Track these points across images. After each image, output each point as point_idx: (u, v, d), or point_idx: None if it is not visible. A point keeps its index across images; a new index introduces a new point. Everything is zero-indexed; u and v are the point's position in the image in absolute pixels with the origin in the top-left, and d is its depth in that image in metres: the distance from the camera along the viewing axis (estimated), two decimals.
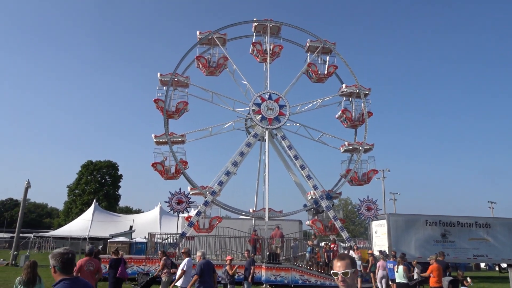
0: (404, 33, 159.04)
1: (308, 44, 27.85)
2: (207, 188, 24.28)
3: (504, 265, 29.87)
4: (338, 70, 28.40)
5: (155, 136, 24.36)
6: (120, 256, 13.72)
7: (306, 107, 27.82)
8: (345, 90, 27.46)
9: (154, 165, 23.98)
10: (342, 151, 27.50)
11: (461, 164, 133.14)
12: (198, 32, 26.49)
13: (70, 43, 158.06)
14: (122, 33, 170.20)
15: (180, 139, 24.78)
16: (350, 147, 27.14)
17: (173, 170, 24.23)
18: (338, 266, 3.17)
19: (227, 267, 13.52)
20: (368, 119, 27.10)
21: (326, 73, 27.72)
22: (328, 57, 28.17)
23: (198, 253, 10.34)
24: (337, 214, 25.63)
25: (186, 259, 10.74)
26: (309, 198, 25.85)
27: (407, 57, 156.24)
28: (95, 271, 9.68)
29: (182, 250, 11.29)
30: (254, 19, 27.57)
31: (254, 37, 27.90)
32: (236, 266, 14.21)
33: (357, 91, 27.26)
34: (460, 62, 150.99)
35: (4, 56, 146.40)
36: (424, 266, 23.02)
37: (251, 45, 27.40)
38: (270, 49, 27.12)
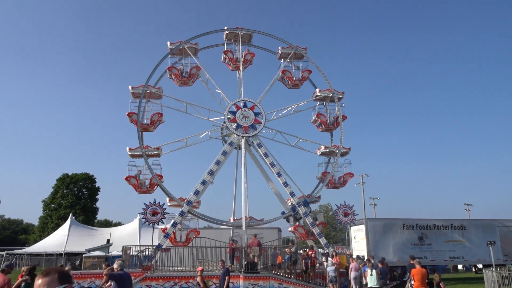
0: (382, 33, 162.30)
1: (280, 51, 28.05)
2: (185, 200, 23.91)
3: (480, 265, 30.39)
4: (311, 74, 28.62)
5: (130, 149, 23.91)
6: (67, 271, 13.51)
7: (281, 113, 27.92)
8: (319, 94, 27.71)
9: (128, 178, 23.52)
10: (319, 154, 27.63)
11: (440, 166, 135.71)
12: (168, 43, 26.21)
13: (42, 55, 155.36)
14: (97, 46, 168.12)
15: (155, 153, 24.37)
16: (327, 150, 27.31)
17: (147, 183, 23.82)
18: (38, 285, 2.62)
19: (198, 279, 13.26)
20: (343, 123, 27.40)
21: (301, 78, 27.89)
22: (301, 62, 28.44)
23: (115, 265, 10.14)
24: (318, 218, 25.68)
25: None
26: (289, 204, 25.80)
27: (380, 58, 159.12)
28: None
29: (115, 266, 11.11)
30: (225, 28, 27.55)
31: (225, 46, 27.84)
32: (204, 278, 13.98)
33: (331, 95, 27.53)
34: (436, 61, 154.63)
35: None
36: (402, 269, 23.42)
37: (223, 54, 27.33)
38: (242, 57, 27.11)
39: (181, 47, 26.10)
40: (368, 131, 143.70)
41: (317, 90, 27.84)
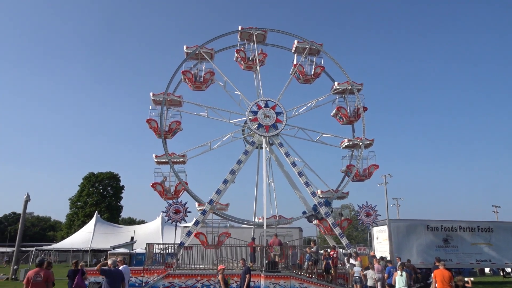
0: (400, 32, 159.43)
1: (295, 45, 27.94)
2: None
3: (508, 269, 29.48)
4: (328, 69, 28.50)
5: (156, 156, 24.25)
6: (79, 267, 14.03)
7: (301, 110, 27.79)
8: (337, 87, 27.58)
9: (153, 185, 23.86)
10: (342, 147, 27.50)
11: (466, 167, 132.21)
12: (185, 47, 26.42)
13: (71, 54, 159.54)
14: (123, 47, 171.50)
15: (181, 160, 24.65)
16: (350, 143, 27.17)
17: (172, 190, 24.14)
18: None
19: (219, 277, 13.37)
20: (364, 114, 27.22)
21: (313, 74, 27.78)
22: (315, 58, 28.29)
23: (109, 261, 10.58)
24: (344, 213, 25.58)
25: (121, 267, 11.11)
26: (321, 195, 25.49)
27: (404, 57, 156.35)
28: (43, 282, 9.63)
29: (118, 259, 11.56)
30: (239, 28, 27.58)
31: (239, 45, 27.82)
32: (225, 276, 14.10)
33: (350, 87, 27.41)
34: (463, 61, 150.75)
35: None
36: (426, 272, 22.96)
37: (235, 52, 27.34)
38: (257, 56, 27.14)
39: (197, 52, 26.35)
40: (391, 131, 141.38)
41: (336, 83, 27.72)
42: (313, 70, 27.86)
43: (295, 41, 27.93)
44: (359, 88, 27.70)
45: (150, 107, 25.29)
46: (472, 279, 14.45)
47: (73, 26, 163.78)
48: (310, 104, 27.71)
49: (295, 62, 27.91)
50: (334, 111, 27.81)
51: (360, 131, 27.38)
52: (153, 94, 25.09)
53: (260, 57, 27.30)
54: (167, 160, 24.07)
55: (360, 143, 26.78)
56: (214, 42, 27.04)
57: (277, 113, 25.83)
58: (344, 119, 27.44)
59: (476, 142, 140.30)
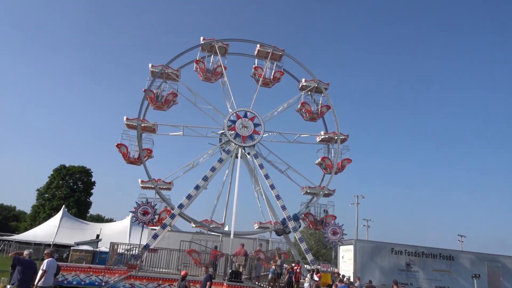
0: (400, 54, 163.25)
1: (257, 49, 28.61)
2: (159, 182, 24.54)
3: None
4: (296, 72, 29.75)
5: (127, 119, 24.80)
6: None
7: (275, 113, 28.62)
8: (304, 84, 28.73)
9: (119, 146, 24.40)
10: (318, 141, 28.46)
11: (440, 194, 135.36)
12: (202, 38, 27.09)
13: (52, 43, 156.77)
14: (107, 43, 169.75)
15: (151, 127, 25.18)
16: (326, 137, 28.19)
17: (136, 155, 24.62)
18: None
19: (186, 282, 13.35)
20: (335, 110, 28.49)
21: (272, 78, 28.48)
22: (276, 63, 28.99)
23: (25, 252, 11.17)
24: (329, 210, 26.78)
25: (46, 260, 11.23)
26: (256, 227, 26.00)
27: (376, 78, 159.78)
28: None
29: (45, 252, 11.82)
30: (259, 43, 28.37)
31: (256, 61, 28.66)
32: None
33: (316, 85, 28.62)
34: (443, 82, 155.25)
35: None
36: None
37: (194, 63, 27.58)
38: (266, 73, 28.07)
39: (212, 44, 26.91)
40: (366, 152, 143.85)
41: (303, 79, 28.87)
42: (272, 74, 28.51)
43: (257, 45, 28.59)
44: (326, 87, 28.79)
45: (148, 78, 26.02)
46: None
47: (64, 11, 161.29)
48: (281, 108, 28.56)
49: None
50: (298, 106, 28.67)
51: (333, 127, 28.56)
52: (152, 66, 25.77)
53: (277, 74, 28.26)
54: (135, 124, 24.75)
55: (336, 137, 27.79)
56: (183, 56, 27.43)
57: (255, 125, 26.17)
58: (307, 114, 28.39)
59: (458, 169, 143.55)
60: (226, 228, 26.77)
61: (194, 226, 24.84)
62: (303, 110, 28.44)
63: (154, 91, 26.07)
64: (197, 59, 27.61)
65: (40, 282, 10.65)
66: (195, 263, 21.32)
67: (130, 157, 24.56)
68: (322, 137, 28.32)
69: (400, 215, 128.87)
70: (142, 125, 25.04)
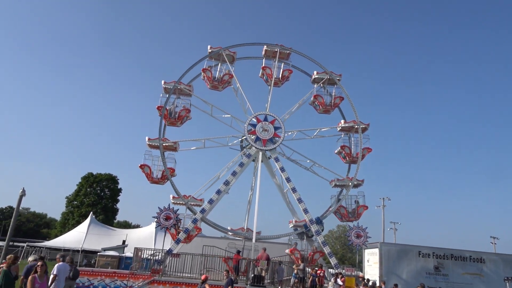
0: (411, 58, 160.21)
1: (264, 49, 28.51)
2: (189, 198, 24.65)
3: None
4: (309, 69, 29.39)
5: (149, 139, 25.12)
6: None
7: (293, 109, 28.47)
8: (316, 76, 28.57)
9: (142, 166, 24.76)
10: (338, 129, 28.61)
11: (470, 197, 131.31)
12: (209, 47, 27.30)
13: (78, 52, 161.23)
14: (132, 49, 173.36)
15: (173, 146, 25.34)
16: (346, 125, 28.14)
17: (159, 175, 24.90)
18: None
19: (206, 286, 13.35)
20: (350, 101, 28.18)
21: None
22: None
23: (30, 258, 11.71)
24: (360, 201, 26.94)
25: (56, 264, 11.43)
26: (291, 226, 25.82)
27: (407, 84, 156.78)
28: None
29: (56, 256, 12.17)
30: (265, 44, 28.30)
31: (264, 61, 28.57)
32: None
33: (329, 77, 28.42)
34: (465, 86, 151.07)
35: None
36: None
37: (261, 69, 28.01)
38: (275, 73, 27.88)
39: (219, 53, 27.13)
40: (395, 157, 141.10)
41: (315, 72, 28.63)
42: (281, 73, 28.31)
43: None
44: (339, 78, 28.49)
45: (161, 95, 26.43)
46: None
47: (84, 21, 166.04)
48: (296, 105, 28.43)
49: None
50: (311, 99, 28.50)
51: (353, 171, 27.91)
52: (165, 82, 26.13)
53: (286, 73, 28.20)
54: (158, 144, 24.97)
55: (356, 126, 27.53)
56: (235, 49, 27.79)
57: (276, 128, 26.11)
58: (321, 107, 28.14)
59: (483, 172, 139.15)
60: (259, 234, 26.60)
61: (172, 201, 24.87)
62: (316, 103, 28.33)
63: (168, 108, 26.34)
64: (264, 65, 28.08)
65: (52, 286, 10.86)
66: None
67: (153, 177, 25.06)
68: (343, 125, 28.10)
69: (429, 218, 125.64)
70: (164, 144, 25.43)
